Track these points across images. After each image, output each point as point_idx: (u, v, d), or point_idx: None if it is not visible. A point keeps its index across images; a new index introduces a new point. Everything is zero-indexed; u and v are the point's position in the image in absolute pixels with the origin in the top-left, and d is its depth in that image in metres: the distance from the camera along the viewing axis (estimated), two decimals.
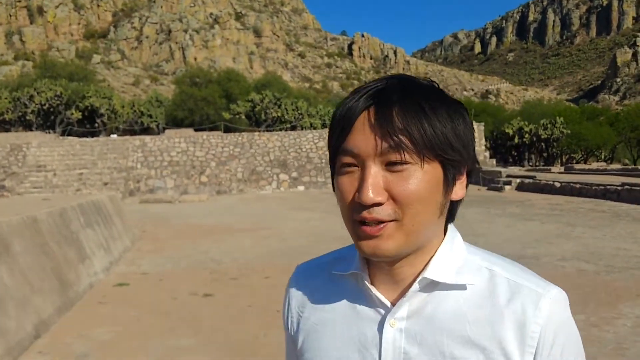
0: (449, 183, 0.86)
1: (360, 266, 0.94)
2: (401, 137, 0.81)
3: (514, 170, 31.57)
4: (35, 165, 28.63)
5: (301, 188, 29.39)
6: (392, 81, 0.87)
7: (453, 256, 0.91)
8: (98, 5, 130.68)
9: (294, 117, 44.01)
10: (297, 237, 12.64)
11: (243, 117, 44.83)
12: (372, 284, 0.93)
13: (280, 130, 40.15)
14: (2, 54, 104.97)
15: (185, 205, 22.71)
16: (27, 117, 44.93)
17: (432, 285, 0.89)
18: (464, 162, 0.87)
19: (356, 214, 0.84)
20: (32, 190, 26.90)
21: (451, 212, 0.93)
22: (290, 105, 44.02)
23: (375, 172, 0.82)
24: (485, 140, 46.96)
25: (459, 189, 0.89)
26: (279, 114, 43.41)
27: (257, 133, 32.28)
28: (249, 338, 5.71)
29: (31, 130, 41.82)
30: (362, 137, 0.83)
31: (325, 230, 13.63)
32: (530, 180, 23.54)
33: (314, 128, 42.93)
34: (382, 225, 0.83)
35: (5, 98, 45.28)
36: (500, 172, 26.94)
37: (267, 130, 39.82)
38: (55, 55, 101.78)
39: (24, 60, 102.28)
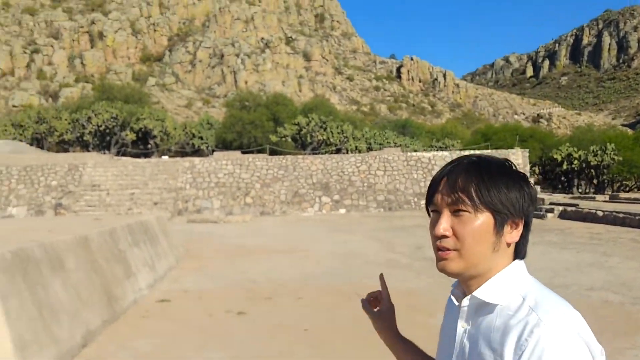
0: (498, 227, 1.20)
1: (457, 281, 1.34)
2: (461, 194, 1.21)
3: (558, 197, 31.07)
4: (90, 185, 30.06)
5: (342, 211, 29.78)
6: (465, 159, 1.28)
7: (502, 283, 1.21)
8: (155, 30, 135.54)
9: (339, 140, 44.64)
10: (332, 260, 13.03)
11: (289, 139, 45.75)
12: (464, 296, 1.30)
13: (325, 153, 40.78)
14: (65, 77, 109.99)
15: (229, 226, 23.48)
16: (85, 138, 47.11)
17: (482, 302, 1.22)
18: (513, 216, 1.22)
19: (435, 242, 1.25)
20: (87, 208, 28.25)
21: (517, 250, 1.26)
22: (335, 128, 44.67)
23: (446, 216, 1.23)
24: (534, 165, 46.42)
25: (514, 235, 1.23)
26: (325, 137, 44.13)
27: (300, 156, 32.94)
28: (275, 354, 6.16)
29: (88, 151, 43.79)
30: (439, 195, 1.25)
31: (360, 253, 13.97)
32: (573, 208, 23.23)
33: (359, 151, 43.37)
34: (448, 252, 1.22)
35: (65, 119, 47.71)
36: (543, 200, 26.63)
37: (313, 153, 40.52)
38: (112, 78, 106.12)
39: (84, 82, 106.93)
